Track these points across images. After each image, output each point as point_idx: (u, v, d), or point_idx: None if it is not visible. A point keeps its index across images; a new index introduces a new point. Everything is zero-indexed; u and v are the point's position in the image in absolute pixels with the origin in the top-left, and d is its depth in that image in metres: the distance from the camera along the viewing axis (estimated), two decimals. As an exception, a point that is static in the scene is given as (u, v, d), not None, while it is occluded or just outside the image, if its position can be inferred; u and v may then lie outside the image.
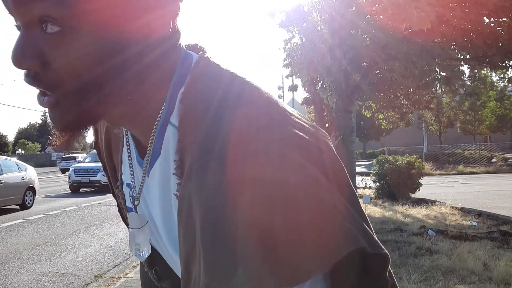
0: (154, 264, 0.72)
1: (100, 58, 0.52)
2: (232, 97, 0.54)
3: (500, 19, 6.42)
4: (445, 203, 9.11)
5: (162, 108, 0.58)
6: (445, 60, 7.92)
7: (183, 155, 0.54)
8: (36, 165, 44.48)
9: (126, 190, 0.70)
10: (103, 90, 0.53)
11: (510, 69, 7.78)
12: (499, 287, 3.84)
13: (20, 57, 0.52)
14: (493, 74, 23.83)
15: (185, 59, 0.60)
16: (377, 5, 6.04)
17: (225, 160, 0.48)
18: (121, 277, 4.90)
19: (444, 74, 8.47)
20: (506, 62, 7.44)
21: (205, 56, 0.61)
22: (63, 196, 14.79)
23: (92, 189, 16.25)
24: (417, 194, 9.77)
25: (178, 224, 0.53)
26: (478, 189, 12.82)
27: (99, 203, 12.17)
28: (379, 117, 11.52)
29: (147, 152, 0.60)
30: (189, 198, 0.50)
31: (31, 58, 0.52)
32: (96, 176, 15.70)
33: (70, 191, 16.10)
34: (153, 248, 0.69)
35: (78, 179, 16.02)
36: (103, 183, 15.37)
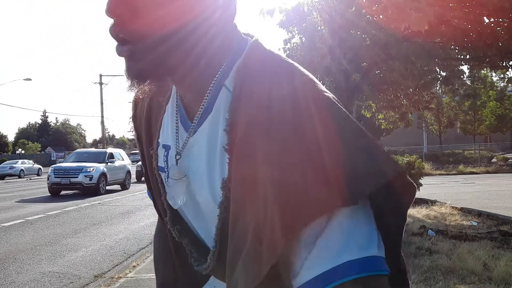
0: (176, 222, 0.78)
1: (181, 14, 0.60)
2: (284, 72, 0.63)
3: (500, 20, 6.42)
4: (445, 203, 9.11)
5: (219, 72, 0.66)
6: (445, 60, 7.92)
7: (235, 114, 0.61)
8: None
9: (160, 151, 0.77)
10: (178, 46, 0.61)
11: (510, 69, 7.77)
12: (499, 287, 3.85)
13: (114, 4, 0.59)
14: (493, 74, 23.82)
15: (241, 40, 0.69)
16: (377, 5, 6.03)
17: (288, 122, 0.56)
18: (121, 277, 4.90)
19: (444, 74, 8.47)
20: (506, 62, 7.44)
21: (259, 41, 0.69)
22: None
23: (73, 192, 15.28)
24: (417, 194, 9.71)
25: (234, 172, 0.60)
26: (478, 189, 12.82)
27: (99, 203, 12.16)
28: (379, 117, 11.52)
29: (199, 110, 0.67)
30: (250, 148, 0.58)
31: (123, 6, 0.59)
32: (77, 177, 14.59)
33: (49, 194, 14.86)
34: (175, 210, 0.78)
35: (58, 180, 14.64)
36: (85, 184, 14.56)
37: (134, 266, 5.33)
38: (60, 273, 5.25)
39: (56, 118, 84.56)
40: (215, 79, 0.65)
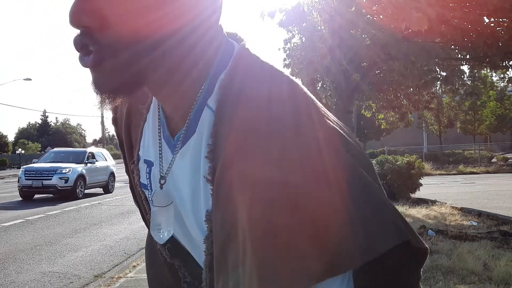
0: (167, 241, 0.70)
1: (156, 20, 0.53)
2: (274, 89, 0.55)
3: (500, 20, 6.42)
4: (445, 203, 9.11)
5: (202, 88, 0.59)
6: (445, 60, 7.92)
7: (218, 139, 0.55)
8: (36, 165, 44.48)
9: (142, 166, 0.69)
10: (152, 54, 0.54)
11: (510, 69, 7.77)
12: (499, 287, 3.85)
13: (78, 14, 0.52)
14: (493, 74, 23.82)
15: (227, 46, 0.61)
16: (377, 5, 6.04)
17: (271, 152, 0.48)
18: (121, 277, 4.90)
19: (444, 74, 8.47)
20: (506, 62, 7.43)
21: (246, 47, 0.62)
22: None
23: (46, 196, 13.58)
24: (417, 194, 9.77)
25: (214, 209, 0.53)
26: (478, 189, 12.82)
27: (99, 203, 12.16)
28: (379, 117, 11.51)
29: (183, 132, 0.61)
30: (229, 185, 0.49)
31: (90, 16, 0.52)
32: (51, 179, 12.86)
33: (20, 199, 13.05)
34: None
35: (29, 182, 12.79)
36: (59, 187, 12.89)
37: (134, 266, 5.33)
38: (60, 273, 5.25)
39: (56, 118, 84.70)
40: (197, 97, 0.59)
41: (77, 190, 13.48)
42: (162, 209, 0.64)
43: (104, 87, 0.55)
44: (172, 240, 0.69)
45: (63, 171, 13.26)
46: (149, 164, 0.67)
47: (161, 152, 0.65)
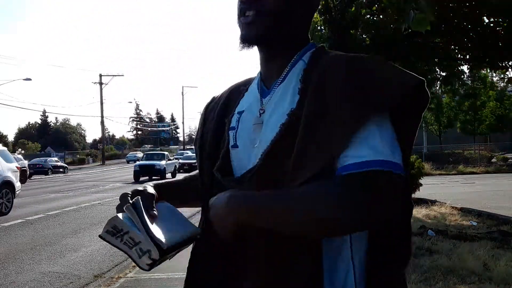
0: (224, 169, 0.96)
1: (285, 7, 0.90)
2: (344, 58, 0.89)
3: (500, 20, 6.41)
4: (445, 203, 9.11)
5: (299, 52, 0.95)
6: (445, 60, 7.92)
7: (306, 82, 0.88)
8: (36, 165, 44.34)
9: (234, 118, 0.99)
10: (278, 22, 0.90)
11: (510, 69, 7.76)
12: (499, 287, 3.85)
13: None
14: (493, 74, 23.80)
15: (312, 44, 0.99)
16: (377, 5, 6.04)
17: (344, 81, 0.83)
18: (121, 277, 4.89)
19: (444, 74, 8.46)
20: (506, 62, 7.43)
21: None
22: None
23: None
24: (417, 194, 9.76)
25: (307, 106, 0.84)
26: (478, 189, 12.82)
27: (99, 203, 12.16)
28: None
29: (278, 81, 0.93)
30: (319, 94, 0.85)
31: None
32: None
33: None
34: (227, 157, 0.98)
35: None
36: None
37: (134, 266, 5.32)
38: (60, 273, 5.25)
39: (56, 118, 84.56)
40: (296, 56, 0.94)
41: None
42: (256, 126, 0.93)
43: (253, 36, 0.91)
44: (227, 166, 0.97)
45: None
46: (241, 113, 0.98)
47: (261, 98, 0.96)
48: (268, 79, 0.96)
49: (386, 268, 0.87)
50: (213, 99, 1.12)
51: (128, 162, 46.58)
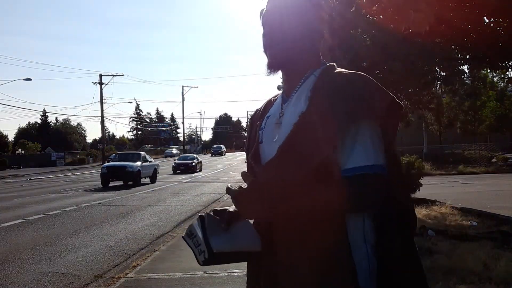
0: (256, 157, 1.28)
1: (305, 33, 1.23)
2: (349, 75, 1.18)
3: (500, 20, 6.41)
4: (445, 203, 9.11)
5: (313, 71, 1.24)
6: (445, 60, 7.91)
7: (315, 91, 1.18)
8: (36, 165, 44.31)
9: (263, 121, 1.31)
10: (292, 50, 1.22)
11: (510, 69, 7.76)
12: (499, 287, 3.85)
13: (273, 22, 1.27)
14: (494, 74, 23.80)
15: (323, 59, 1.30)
16: (377, 5, 6.03)
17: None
18: (121, 277, 4.89)
19: (444, 74, 8.46)
20: (506, 62, 7.43)
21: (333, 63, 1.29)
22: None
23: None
24: (417, 194, 9.76)
25: (311, 108, 1.16)
26: (478, 189, 12.82)
27: (99, 203, 12.15)
28: (379, 117, 11.48)
29: (295, 91, 1.24)
30: (321, 103, 1.15)
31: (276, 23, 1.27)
32: None
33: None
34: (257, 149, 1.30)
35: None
36: None
37: (134, 266, 5.32)
38: (60, 273, 5.25)
39: (56, 118, 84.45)
40: (309, 74, 1.23)
41: None
42: (276, 126, 1.24)
43: (273, 65, 1.23)
44: (257, 155, 1.29)
45: None
46: (268, 117, 1.30)
47: (282, 106, 1.27)
48: (289, 90, 1.27)
49: (395, 235, 1.12)
50: (256, 110, 1.45)
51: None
